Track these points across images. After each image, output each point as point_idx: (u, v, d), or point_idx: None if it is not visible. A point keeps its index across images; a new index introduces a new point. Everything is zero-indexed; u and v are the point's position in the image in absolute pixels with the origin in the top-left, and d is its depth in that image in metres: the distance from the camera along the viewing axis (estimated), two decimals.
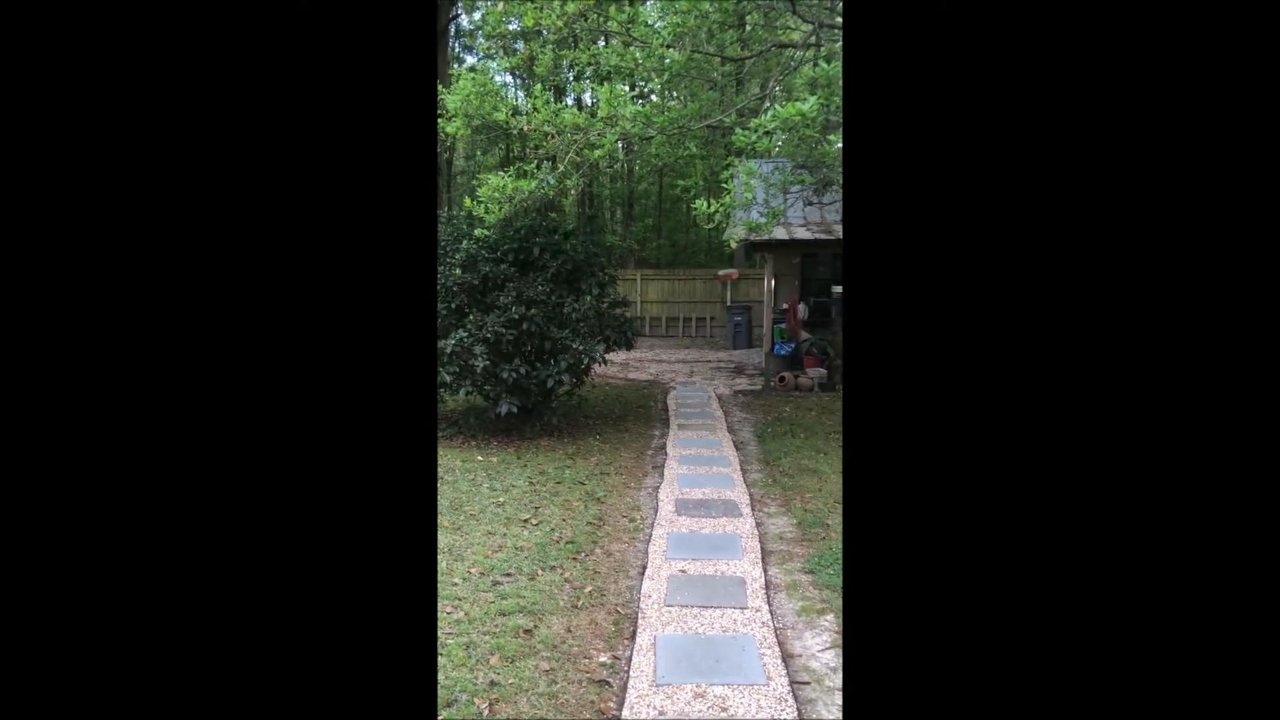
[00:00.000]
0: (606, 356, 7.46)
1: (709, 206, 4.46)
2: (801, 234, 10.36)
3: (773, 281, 11.10)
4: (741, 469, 6.07)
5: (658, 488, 5.55)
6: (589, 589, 3.78)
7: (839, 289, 10.71)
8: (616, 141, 4.78)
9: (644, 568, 4.02)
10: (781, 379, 10.00)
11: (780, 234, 10.29)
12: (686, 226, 25.03)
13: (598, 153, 4.78)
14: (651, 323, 17.35)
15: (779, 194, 6.57)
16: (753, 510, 5.02)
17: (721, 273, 16.89)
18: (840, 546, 4.31)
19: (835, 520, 4.78)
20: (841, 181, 7.34)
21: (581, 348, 6.71)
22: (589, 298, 6.75)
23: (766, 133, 4.04)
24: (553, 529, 4.63)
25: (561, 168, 4.93)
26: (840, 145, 4.06)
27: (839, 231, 10.31)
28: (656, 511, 4.98)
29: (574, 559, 4.16)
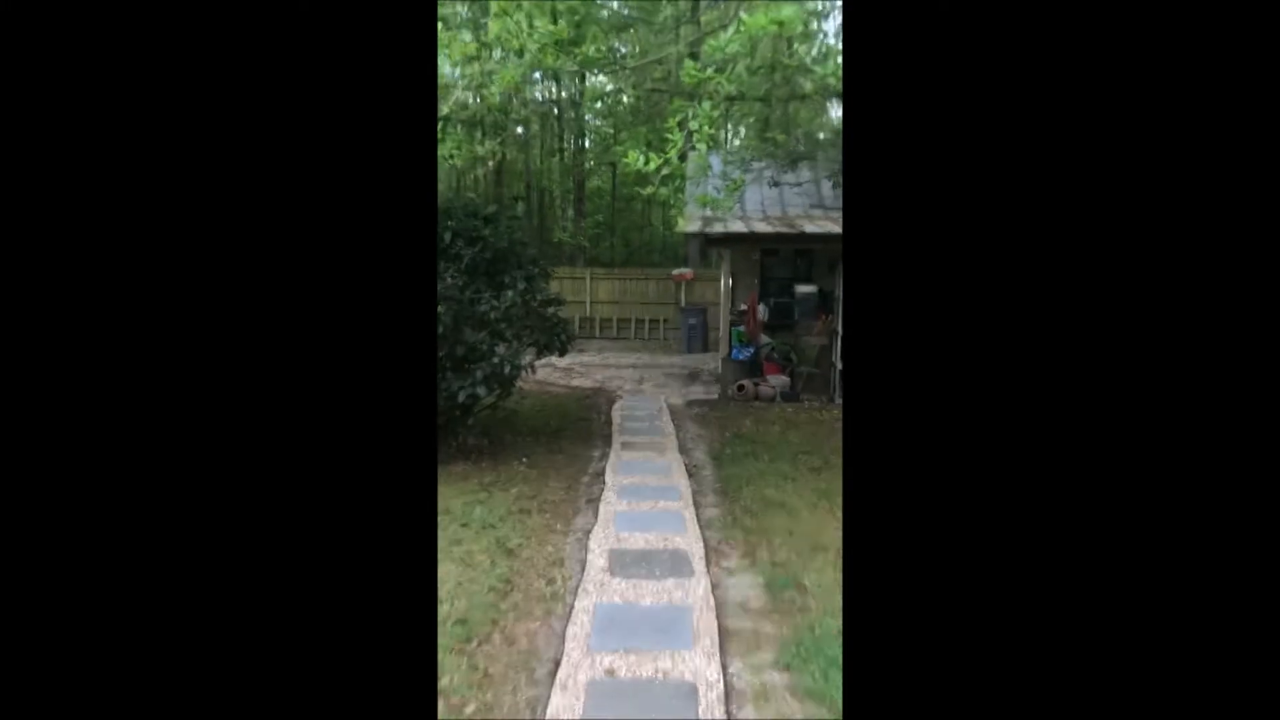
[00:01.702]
0: (541, 362, 6.31)
1: (646, 162, 3.32)
2: (761, 228, 9.34)
3: (729, 280, 10.07)
4: (695, 503, 4.97)
5: (589, 531, 4.42)
6: (471, 708, 2.62)
7: (803, 288, 9.72)
8: (522, 78, 3.63)
9: (557, 664, 2.89)
10: (740, 388, 8.96)
11: (738, 227, 9.27)
12: (640, 225, 24.07)
13: (494, 89, 3.61)
14: (602, 324, 16.23)
15: (738, 166, 5.49)
16: (708, 564, 3.93)
17: (675, 272, 15.87)
18: (823, 620, 3.24)
19: (813, 579, 3.72)
20: (817, 158, 6.36)
21: (503, 354, 5.54)
22: (512, 294, 5.58)
23: (724, 63, 2.93)
24: (442, 600, 3.46)
25: (447, 108, 3.76)
26: (829, 78, 3.06)
27: (803, 225, 9.33)
28: (584, 569, 3.85)
29: (461, 652, 3.00)
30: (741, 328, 9.94)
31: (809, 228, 9.12)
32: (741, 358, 9.69)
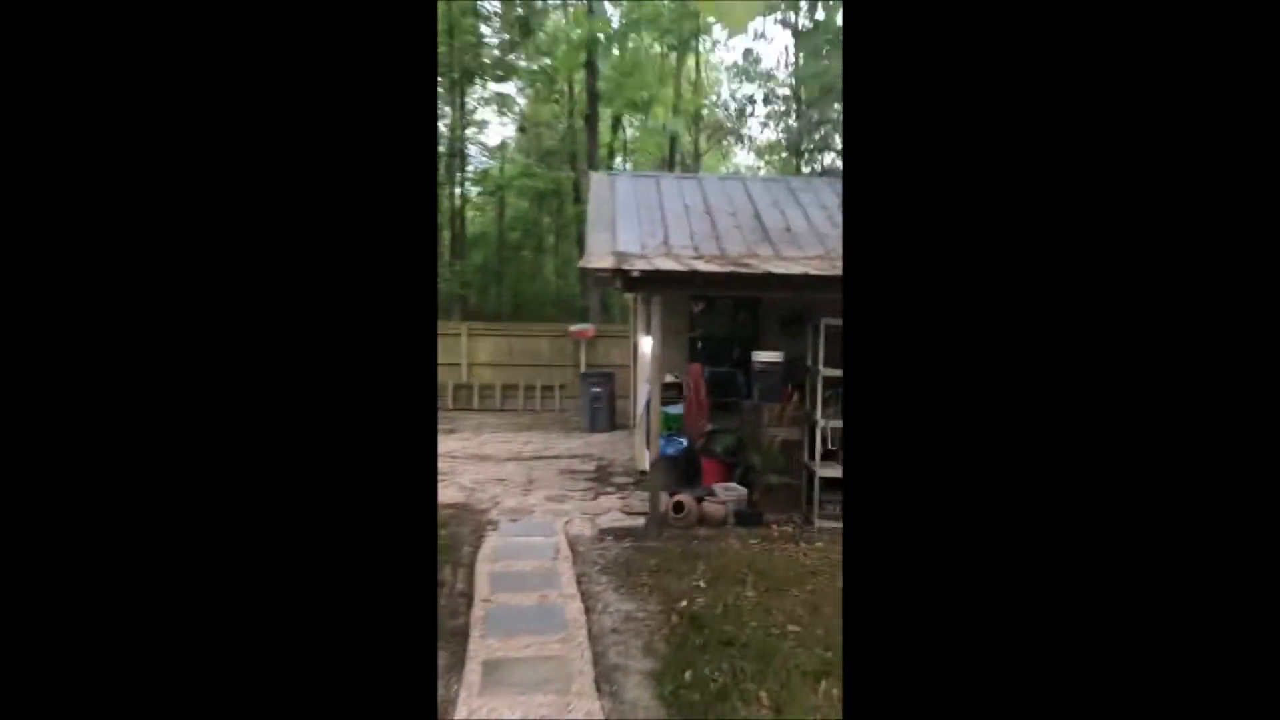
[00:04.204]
0: None
1: None
2: (702, 267, 6.51)
3: (654, 341, 7.12)
4: None
5: None
6: None
7: (764, 356, 6.86)
8: None
9: None
10: (678, 506, 5.93)
11: (667, 265, 6.39)
12: (531, 275, 21.07)
13: None
14: (482, 393, 12.93)
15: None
16: None
17: (574, 329, 12.89)
18: None
19: None
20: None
21: None
22: None
23: None
24: None
25: None
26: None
27: (762, 265, 6.55)
28: None
29: None
30: (676, 408, 6.98)
31: (773, 268, 6.34)
32: (672, 452, 6.72)
